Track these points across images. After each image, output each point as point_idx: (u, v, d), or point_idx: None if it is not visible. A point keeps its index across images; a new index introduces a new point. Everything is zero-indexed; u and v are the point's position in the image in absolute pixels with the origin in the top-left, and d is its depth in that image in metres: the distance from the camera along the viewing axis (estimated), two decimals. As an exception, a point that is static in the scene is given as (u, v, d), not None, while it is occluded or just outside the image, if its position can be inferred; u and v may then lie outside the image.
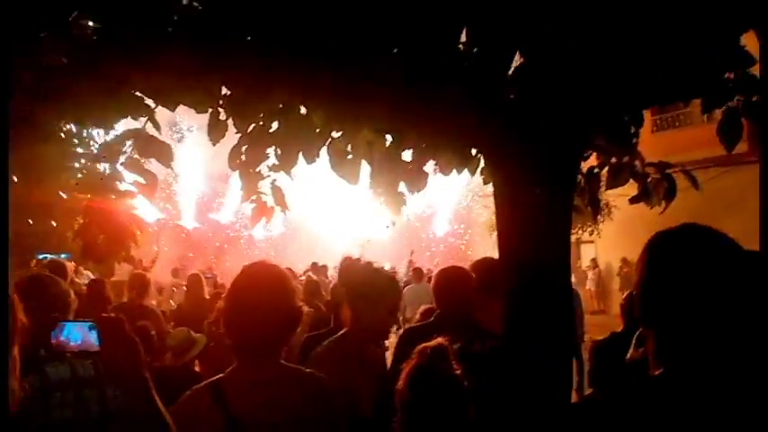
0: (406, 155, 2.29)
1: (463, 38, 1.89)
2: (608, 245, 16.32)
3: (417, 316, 4.36)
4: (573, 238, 4.18)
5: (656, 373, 1.13)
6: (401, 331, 3.53)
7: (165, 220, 18.14)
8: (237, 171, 2.25)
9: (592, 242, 16.98)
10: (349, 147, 2.19)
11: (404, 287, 7.69)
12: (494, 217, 2.15)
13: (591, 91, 1.85)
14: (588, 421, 1.11)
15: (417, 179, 2.34)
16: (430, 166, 2.35)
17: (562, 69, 1.80)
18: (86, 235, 2.06)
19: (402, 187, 2.38)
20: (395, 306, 2.44)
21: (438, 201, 20.20)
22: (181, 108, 1.92)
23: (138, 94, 1.82)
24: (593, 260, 17.75)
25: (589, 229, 14.83)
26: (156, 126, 1.99)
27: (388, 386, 1.87)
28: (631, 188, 2.57)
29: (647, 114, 2.40)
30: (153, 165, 2.07)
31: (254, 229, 18.16)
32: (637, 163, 2.49)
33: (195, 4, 1.69)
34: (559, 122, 1.87)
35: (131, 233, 2.09)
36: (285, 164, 2.18)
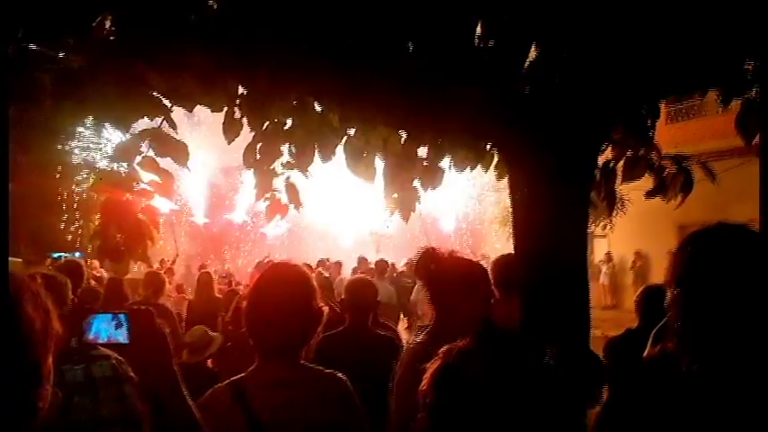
0: (422, 151, 2.28)
1: (478, 32, 1.88)
2: (621, 239, 16.14)
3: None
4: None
5: (693, 368, 1.13)
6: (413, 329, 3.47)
7: (179, 215, 18.13)
8: (252, 169, 2.26)
9: (604, 236, 16.79)
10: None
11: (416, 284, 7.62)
12: (504, 212, 2.13)
13: (610, 82, 1.83)
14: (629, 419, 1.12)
15: (433, 176, 2.33)
16: (445, 163, 2.34)
17: (580, 62, 1.79)
18: (104, 234, 2.08)
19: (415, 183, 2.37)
20: (489, 293, 2.24)
21: (448, 197, 20.10)
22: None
23: (155, 94, 1.84)
24: (608, 254, 17.43)
25: (602, 224, 14.68)
26: (173, 125, 2.00)
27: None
28: (644, 181, 2.55)
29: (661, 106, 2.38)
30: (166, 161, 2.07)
31: (267, 227, 18.20)
32: (653, 155, 2.47)
33: (211, 3, 1.69)
34: (577, 116, 1.86)
35: (149, 232, 2.10)
36: (302, 162, 2.19)
